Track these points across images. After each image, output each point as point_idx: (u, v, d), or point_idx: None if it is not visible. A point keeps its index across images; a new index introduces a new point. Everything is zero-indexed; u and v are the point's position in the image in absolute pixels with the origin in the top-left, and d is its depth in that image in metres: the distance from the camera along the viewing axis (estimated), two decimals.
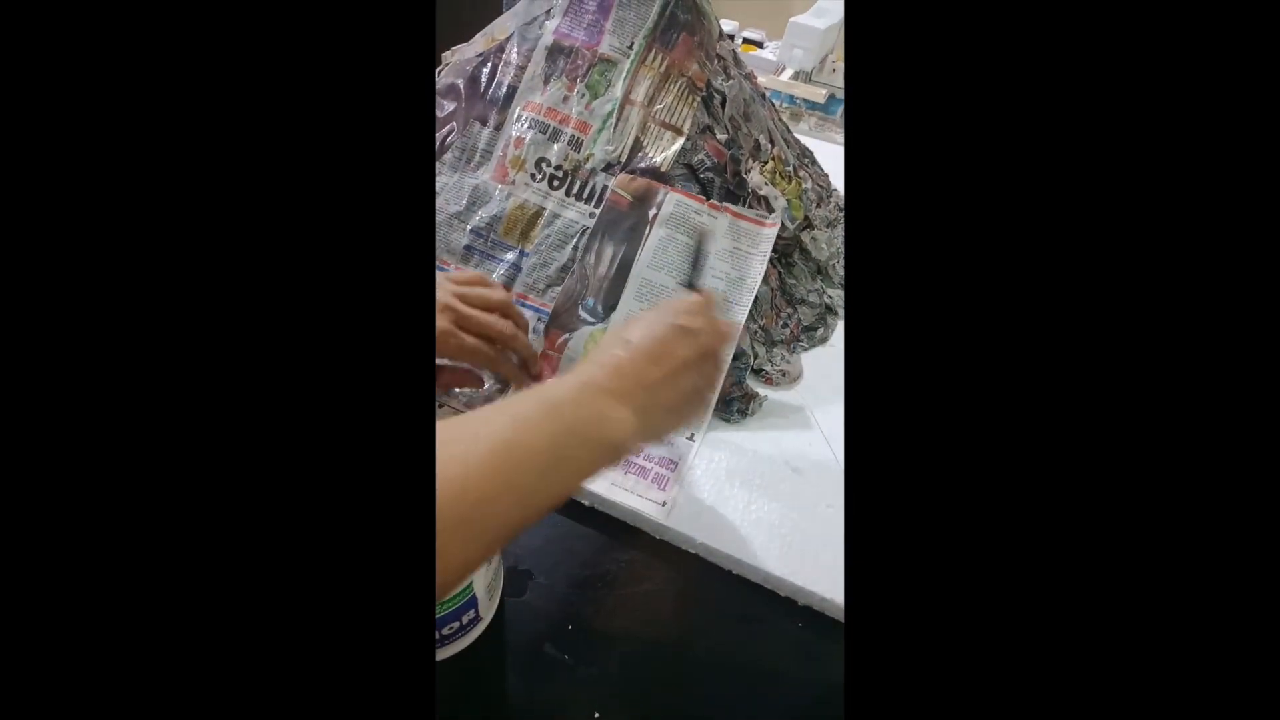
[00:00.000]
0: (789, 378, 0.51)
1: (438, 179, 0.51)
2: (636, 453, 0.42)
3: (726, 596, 0.39)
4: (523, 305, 0.48)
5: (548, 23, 0.51)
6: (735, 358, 0.48)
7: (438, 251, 0.50)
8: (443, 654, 0.33)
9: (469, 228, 0.50)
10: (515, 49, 0.52)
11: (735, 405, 0.47)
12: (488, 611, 0.35)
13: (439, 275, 0.41)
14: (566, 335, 0.47)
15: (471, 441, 0.24)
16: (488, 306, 0.41)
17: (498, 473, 0.23)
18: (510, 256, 0.49)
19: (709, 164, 0.50)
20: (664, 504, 0.41)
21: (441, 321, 0.39)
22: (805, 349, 0.54)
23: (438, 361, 0.40)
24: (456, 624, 0.33)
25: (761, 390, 0.49)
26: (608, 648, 0.36)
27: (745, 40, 1.18)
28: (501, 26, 0.53)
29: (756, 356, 0.50)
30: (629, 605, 0.39)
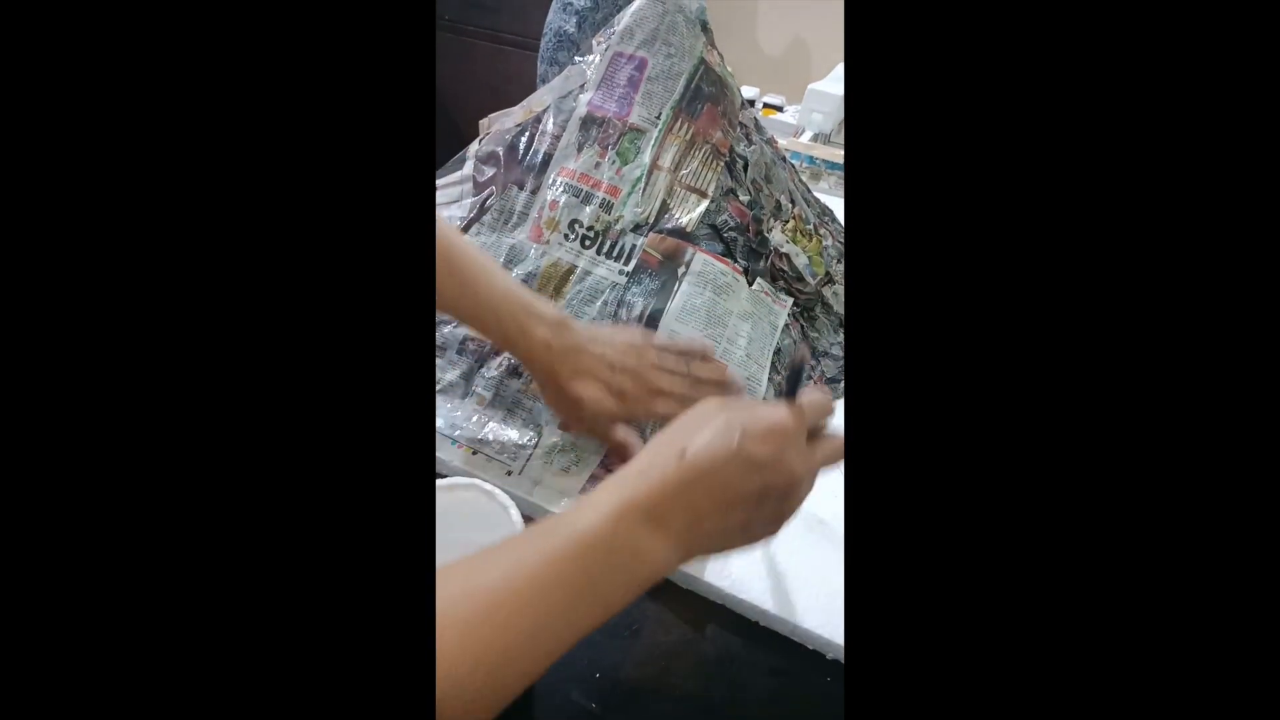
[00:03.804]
0: None
1: (476, 239, 0.55)
2: None
3: (754, 648, 0.39)
4: None
5: (582, 96, 0.55)
6: None
7: None
8: None
9: None
10: (551, 119, 0.56)
11: None
12: None
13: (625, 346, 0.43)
14: None
15: (492, 587, 0.23)
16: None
17: (521, 617, 0.23)
18: None
19: (732, 224, 0.53)
20: None
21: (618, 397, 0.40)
22: None
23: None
24: None
25: None
26: (635, 697, 0.36)
27: (766, 105, 1.23)
28: (539, 99, 0.57)
29: None
30: (657, 655, 0.39)
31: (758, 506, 0.29)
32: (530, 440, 0.47)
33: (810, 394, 0.31)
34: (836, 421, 0.32)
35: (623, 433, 0.42)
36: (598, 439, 0.43)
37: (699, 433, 0.28)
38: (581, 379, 0.41)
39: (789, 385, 0.33)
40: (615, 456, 0.42)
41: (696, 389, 0.43)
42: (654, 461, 0.28)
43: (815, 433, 0.31)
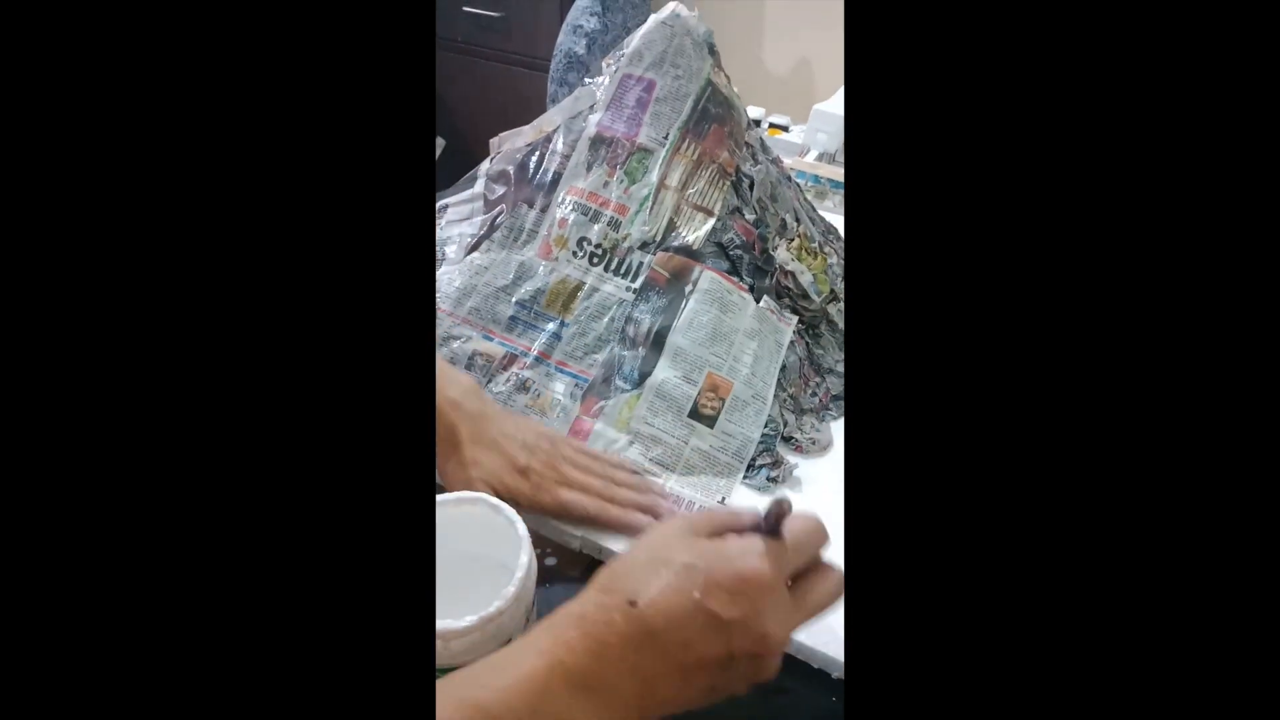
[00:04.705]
0: (819, 445, 0.51)
1: (486, 255, 0.55)
2: None
3: None
4: (561, 371, 0.51)
5: (591, 116, 0.56)
6: (763, 424, 0.49)
7: (484, 321, 0.53)
8: None
9: (514, 300, 0.53)
10: (561, 139, 0.57)
11: (765, 473, 0.48)
12: None
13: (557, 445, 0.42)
14: (602, 402, 0.49)
15: None
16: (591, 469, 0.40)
17: None
18: (551, 326, 0.52)
19: (738, 242, 0.54)
20: None
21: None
22: (835, 418, 0.55)
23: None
24: None
25: (792, 458, 0.50)
26: None
27: (772, 125, 1.25)
28: (549, 120, 0.58)
29: (786, 424, 0.52)
30: None
31: (723, 671, 0.24)
32: None
33: (798, 526, 0.25)
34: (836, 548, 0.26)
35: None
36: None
37: (653, 577, 0.24)
38: (483, 445, 0.39)
39: (769, 522, 0.25)
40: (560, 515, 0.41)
41: (611, 490, 0.41)
42: (600, 605, 0.24)
43: (805, 571, 0.26)
